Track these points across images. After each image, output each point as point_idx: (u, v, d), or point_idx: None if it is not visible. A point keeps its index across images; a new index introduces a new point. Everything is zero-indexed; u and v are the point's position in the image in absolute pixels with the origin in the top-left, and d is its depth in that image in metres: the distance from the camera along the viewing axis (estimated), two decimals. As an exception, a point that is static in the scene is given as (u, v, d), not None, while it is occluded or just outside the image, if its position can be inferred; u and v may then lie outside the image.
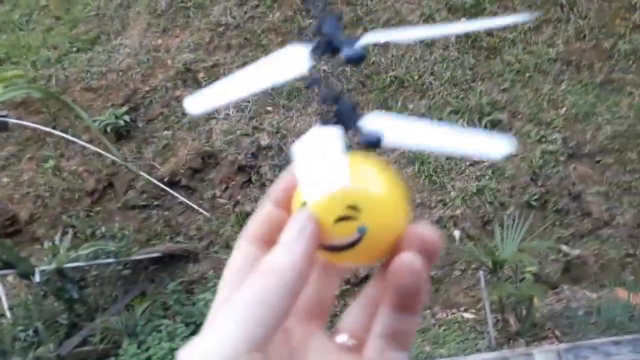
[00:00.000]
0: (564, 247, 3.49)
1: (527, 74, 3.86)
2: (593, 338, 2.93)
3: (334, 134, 0.34)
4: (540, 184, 3.57)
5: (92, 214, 4.13)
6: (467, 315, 3.38)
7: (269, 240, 0.36)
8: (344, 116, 0.35)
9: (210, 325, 0.30)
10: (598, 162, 3.55)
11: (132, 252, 3.80)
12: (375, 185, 0.33)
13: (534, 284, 3.21)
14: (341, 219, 0.31)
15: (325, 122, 0.34)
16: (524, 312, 3.06)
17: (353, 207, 0.31)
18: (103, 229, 3.93)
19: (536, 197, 3.54)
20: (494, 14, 4.05)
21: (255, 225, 0.37)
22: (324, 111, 0.34)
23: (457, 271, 3.54)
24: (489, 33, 4.02)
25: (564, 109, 3.71)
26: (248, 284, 0.30)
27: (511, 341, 3.00)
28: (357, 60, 0.31)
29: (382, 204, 0.32)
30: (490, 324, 3.03)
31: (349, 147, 0.34)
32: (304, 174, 0.33)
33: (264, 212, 0.37)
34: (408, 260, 0.31)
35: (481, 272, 3.10)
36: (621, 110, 3.64)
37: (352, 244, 0.31)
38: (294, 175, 0.36)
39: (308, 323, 0.37)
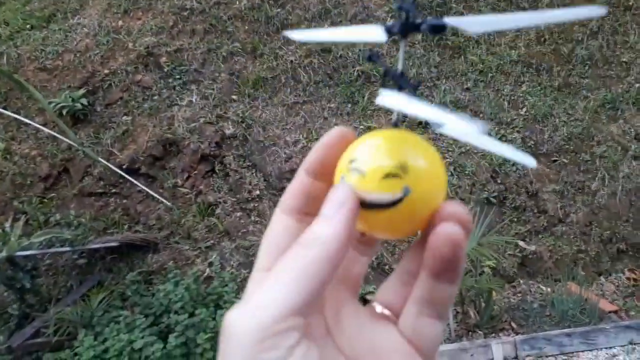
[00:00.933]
0: (521, 243, 3.61)
1: (490, 75, 3.95)
2: (547, 330, 3.06)
3: (398, 100, 0.36)
4: (499, 182, 3.67)
5: (45, 200, 3.95)
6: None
7: (305, 212, 0.38)
8: (401, 83, 0.37)
9: (255, 291, 0.32)
10: (554, 161, 3.69)
11: (88, 241, 3.66)
12: (424, 155, 0.34)
13: (493, 277, 3.32)
14: (388, 175, 0.33)
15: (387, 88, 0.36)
16: (483, 304, 3.16)
17: (402, 167, 0.33)
18: (57, 216, 3.76)
19: (495, 194, 3.64)
20: (460, 13, 4.12)
21: (291, 195, 0.38)
22: (386, 80, 0.36)
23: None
24: (454, 32, 4.09)
25: (524, 109, 3.82)
26: (292, 254, 0.32)
27: (470, 333, 3.09)
28: (441, 28, 0.32)
29: (427, 173, 0.34)
30: (451, 316, 3.11)
31: (403, 123, 0.36)
32: (364, 140, 0.35)
33: (299, 182, 0.38)
34: (451, 229, 0.32)
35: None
36: (577, 113, 3.79)
37: (393, 203, 0.33)
38: (327, 144, 0.37)
39: (340, 292, 0.39)
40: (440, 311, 0.35)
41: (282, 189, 3.74)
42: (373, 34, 0.38)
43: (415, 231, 0.35)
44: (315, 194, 0.37)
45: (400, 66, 0.39)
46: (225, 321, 0.32)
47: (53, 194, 4.02)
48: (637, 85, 3.87)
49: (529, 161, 0.31)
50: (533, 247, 3.62)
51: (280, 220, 0.38)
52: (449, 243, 0.32)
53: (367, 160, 0.34)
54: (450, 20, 0.34)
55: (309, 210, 0.37)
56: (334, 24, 4.10)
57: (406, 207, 0.33)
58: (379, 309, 0.38)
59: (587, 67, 3.92)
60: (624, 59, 3.94)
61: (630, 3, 4.08)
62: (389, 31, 0.38)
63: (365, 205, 0.33)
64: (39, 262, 3.62)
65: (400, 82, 0.38)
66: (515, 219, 3.65)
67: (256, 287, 0.33)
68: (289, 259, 0.32)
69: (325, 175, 0.37)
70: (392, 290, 0.38)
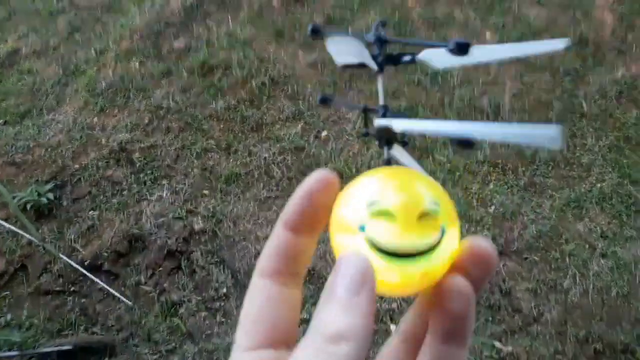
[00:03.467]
0: (497, 344, 3.49)
1: (457, 174, 4.07)
2: None
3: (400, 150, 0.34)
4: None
5: (-3, 299, 3.71)
6: None
7: (286, 272, 0.33)
8: (387, 116, 0.37)
9: None
10: (525, 259, 3.69)
11: (39, 344, 3.39)
12: (435, 188, 0.31)
13: (470, 382, 3.15)
14: (424, 215, 0.28)
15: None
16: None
17: (436, 202, 0.29)
18: (9, 316, 3.51)
19: (469, 292, 3.57)
20: (427, 117, 4.32)
21: (269, 256, 0.33)
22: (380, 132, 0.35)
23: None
24: (422, 135, 4.26)
25: (492, 207, 3.90)
26: (313, 351, 0.26)
27: None
28: (466, 46, 0.31)
29: (449, 207, 0.31)
30: None
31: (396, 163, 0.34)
32: (370, 180, 0.31)
33: (276, 239, 0.33)
34: (459, 282, 0.29)
35: None
36: (544, 212, 3.87)
37: (432, 248, 0.28)
38: (309, 191, 0.33)
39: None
40: None
41: (251, 287, 3.61)
42: None
43: (438, 279, 0.30)
44: (297, 252, 0.33)
45: (381, 100, 0.40)
46: None
47: (6, 292, 3.79)
48: (598, 185, 4.02)
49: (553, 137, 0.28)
50: (510, 348, 3.50)
51: (259, 287, 0.33)
52: (458, 297, 0.29)
53: (393, 198, 0.28)
54: (421, 56, 0.35)
55: (291, 270, 0.33)
56: (307, 124, 4.24)
57: (441, 250, 0.29)
58: None
59: (550, 168, 4.08)
60: (584, 161, 4.13)
61: (585, 110, 4.36)
62: (368, 65, 0.38)
63: (396, 255, 0.28)
64: (-19, 367, 3.31)
65: (386, 115, 0.38)
66: (491, 319, 3.55)
67: None
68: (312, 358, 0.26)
69: (308, 229, 0.33)
70: (396, 356, 0.34)
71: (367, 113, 0.39)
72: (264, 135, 4.22)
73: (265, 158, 4.06)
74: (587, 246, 3.77)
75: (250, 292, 0.33)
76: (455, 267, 0.30)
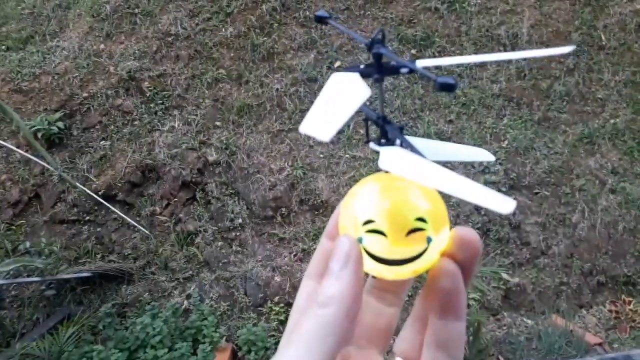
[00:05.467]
0: (505, 275, 3.61)
1: (472, 107, 4.02)
2: (535, 363, 3.03)
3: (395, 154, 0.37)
4: (483, 213, 3.69)
5: (13, 227, 3.75)
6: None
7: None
8: (385, 128, 0.39)
9: (280, 354, 0.33)
10: (536, 194, 3.74)
11: (59, 271, 3.47)
12: (429, 196, 0.35)
13: (479, 310, 3.29)
14: (411, 231, 0.34)
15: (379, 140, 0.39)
16: (471, 337, 3.11)
17: (422, 220, 0.34)
18: (27, 244, 3.57)
19: (479, 225, 3.65)
20: (443, 47, 4.21)
21: (314, 262, 0.41)
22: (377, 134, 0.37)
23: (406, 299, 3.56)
24: (437, 66, 4.16)
25: (506, 142, 3.89)
26: (308, 315, 0.33)
27: (459, 367, 3.03)
28: (452, 86, 0.32)
29: (438, 214, 0.35)
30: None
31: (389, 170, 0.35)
32: (368, 194, 0.36)
33: (321, 248, 0.40)
34: (444, 263, 0.34)
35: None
36: (556, 147, 3.87)
37: (418, 255, 0.34)
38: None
39: (368, 350, 0.40)
40: (455, 352, 0.36)
41: (266, 218, 3.66)
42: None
43: (432, 267, 0.36)
44: None
45: (380, 110, 0.40)
46: None
47: (22, 221, 3.83)
48: (612, 121, 4.00)
49: (504, 207, 0.31)
50: (516, 279, 3.62)
51: (306, 286, 0.40)
52: (446, 277, 0.34)
53: (385, 220, 0.34)
54: (425, 63, 0.37)
55: None
56: (319, 53, 4.12)
57: (428, 253, 0.34)
58: None
59: (565, 103, 4.03)
60: (599, 96, 4.08)
61: (604, 43, 4.25)
62: (365, 75, 0.37)
63: (388, 262, 0.34)
64: (3, 293, 3.41)
65: (384, 127, 0.39)
66: (499, 251, 3.65)
67: (281, 351, 0.34)
68: (306, 321, 0.33)
69: None
70: (408, 339, 0.39)
71: (367, 122, 0.40)
72: (276, 65, 4.11)
73: (277, 89, 3.98)
74: (597, 182, 3.81)
75: (300, 289, 0.40)
76: (446, 254, 0.35)
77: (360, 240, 0.35)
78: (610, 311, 3.57)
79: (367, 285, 0.41)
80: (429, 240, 0.34)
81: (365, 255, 0.35)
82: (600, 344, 3.28)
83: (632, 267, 3.64)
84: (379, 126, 0.39)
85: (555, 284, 3.60)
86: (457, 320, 0.35)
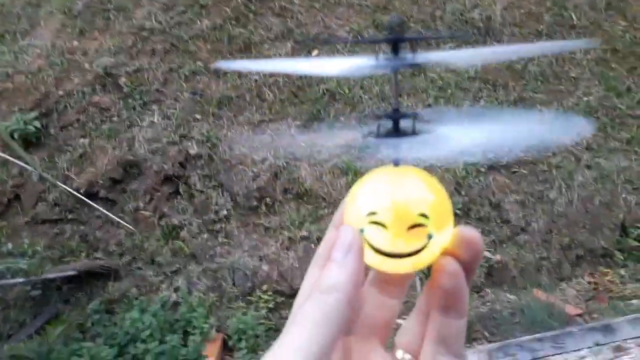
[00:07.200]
0: (486, 253, 3.69)
1: (449, 91, 4.08)
2: (519, 336, 3.11)
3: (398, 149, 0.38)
4: (463, 193, 3.76)
5: (-6, 229, 3.71)
6: (401, 321, 3.45)
7: None
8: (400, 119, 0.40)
9: (282, 339, 0.33)
10: (514, 172, 3.83)
11: (44, 271, 3.45)
12: (434, 191, 0.36)
13: (463, 288, 3.38)
14: (413, 227, 0.34)
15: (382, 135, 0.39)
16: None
17: (424, 215, 0.35)
18: (10, 245, 3.53)
19: (460, 206, 3.72)
20: (418, 33, 4.25)
21: (320, 251, 0.41)
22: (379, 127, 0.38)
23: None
24: (413, 50, 4.21)
25: (483, 123, 3.95)
26: (311, 301, 0.34)
27: (446, 344, 3.10)
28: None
29: (442, 210, 0.36)
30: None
31: (401, 161, 0.37)
32: (374, 186, 0.37)
33: (328, 238, 0.40)
34: (447, 262, 0.35)
35: (417, 277, 3.19)
36: (533, 126, 3.95)
37: (418, 250, 0.35)
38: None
39: (369, 341, 0.41)
40: (456, 349, 0.37)
41: (250, 208, 3.69)
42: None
43: (433, 262, 0.37)
44: None
45: (394, 103, 0.40)
46: None
47: (3, 223, 3.78)
48: (585, 99, 4.10)
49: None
50: (498, 257, 3.71)
51: (312, 275, 0.40)
52: (448, 275, 0.35)
53: (387, 212, 0.35)
54: (436, 56, 0.39)
55: None
56: (296, 43, 4.13)
57: (429, 249, 0.35)
58: (399, 354, 0.40)
59: (539, 83, 4.12)
60: (572, 75, 4.17)
61: (575, 22, 4.34)
62: (378, 67, 0.39)
63: (388, 255, 0.35)
64: (-13, 295, 3.38)
65: (398, 119, 0.39)
66: (480, 230, 3.73)
67: (284, 334, 0.34)
68: (308, 307, 0.34)
69: None
70: (411, 331, 0.40)
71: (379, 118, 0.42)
72: (253, 55, 4.11)
73: (256, 80, 3.99)
74: (572, 158, 3.91)
75: (305, 278, 0.40)
76: (448, 252, 0.36)
77: (362, 231, 0.36)
78: (589, 283, 3.69)
79: (370, 277, 0.42)
80: (429, 236, 0.35)
81: (366, 247, 0.36)
82: (580, 315, 3.39)
83: (609, 240, 3.75)
84: (391, 119, 0.40)
85: (536, 260, 3.70)
86: (458, 318, 0.36)
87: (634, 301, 3.49)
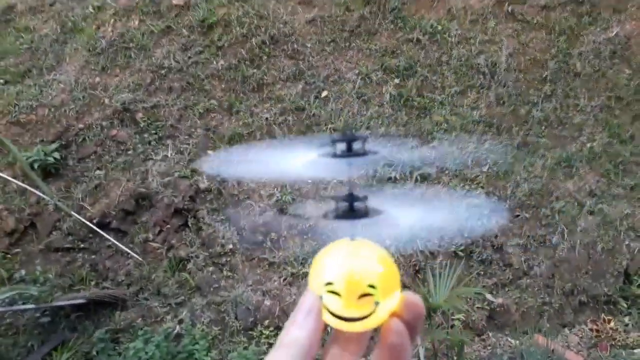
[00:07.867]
0: (488, 296, 3.71)
1: (454, 133, 4.17)
2: (518, 382, 3.11)
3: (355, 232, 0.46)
4: (466, 235, 3.80)
5: (9, 256, 3.84)
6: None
7: None
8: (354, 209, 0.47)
9: None
10: (517, 216, 3.87)
11: (54, 298, 3.55)
12: (383, 263, 0.44)
13: (463, 330, 3.39)
14: (362, 296, 0.41)
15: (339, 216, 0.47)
16: (455, 357, 3.19)
17: (372, 286, 0.41)
18: (23, 272, 3.66)
19: (462, 247, 3.76)
20: (425, 76, 4.38)
21: (296, 309, 0.46)
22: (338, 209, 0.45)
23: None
24: (420, 94, 4.34)
25: (487, 166, 4.03)
26: (276, 351, 0.40)
27: (444, 387, 3.11)
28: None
29: (389, 281, 0.43)
30: (424, 370, 3.13)
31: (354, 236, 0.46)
32: (332, 259, 0.44)
33: (302, 299, 0.46)
34: (393, 322, 0.42)
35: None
36: (536, 171, 4.01)
37: (367, 316, 0.41)
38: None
39: None
40: None
41: (256, 243, 3.77)
42: None
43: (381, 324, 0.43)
44: None
45: (349, 188, 0.48)
46: None
47: (18, 250, 3.92)
48: (589, 145, 4.16)
49: None
50: (500, 300, 3.73)
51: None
52: (395, 334, 0.42)
53: (342, 283, 0.42)
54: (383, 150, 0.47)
55: None
56: (307, 84, 4.29)
57: (376, 314, 0.42)
58: None
59: (543, 128, 4.20)
60: (576, 121, 4.25)
61: (579, 70, 4.44)
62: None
63: (342, 318, 0.42)
64: None
65: (352, 202, 0.47)
66: (482, 272, 3.76)
67: None
68: (276, 355, 0.40)
69: None
70: None
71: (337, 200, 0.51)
72: (265, 95, 4.27)
73: (267, 119, 4.13)
74: (575, 204, 3.95)
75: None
76: (396, 314, 0.43)
77: (321, 297, 0.42)
78: (591, 330, 3.67)
79: (332, 335, 0.47)
80: (377, 303, 0.41)
81: (325, 310, 0.43)
82: (581, 362, 3.37)
83: (612, 287, 3.75)
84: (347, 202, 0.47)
85: (538, 304, 3.71)
86: None
87: (637, 350, 3.46)
